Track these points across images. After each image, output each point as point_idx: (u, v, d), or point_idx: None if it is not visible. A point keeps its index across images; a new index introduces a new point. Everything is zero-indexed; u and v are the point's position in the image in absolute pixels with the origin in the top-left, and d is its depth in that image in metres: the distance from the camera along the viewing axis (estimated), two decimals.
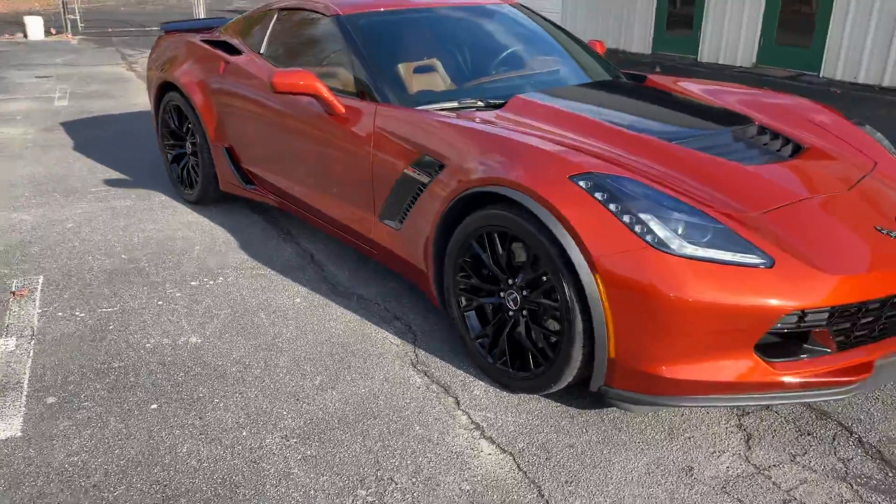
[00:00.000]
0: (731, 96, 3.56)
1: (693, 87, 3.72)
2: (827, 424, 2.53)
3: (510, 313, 2.67)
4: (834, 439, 2.45)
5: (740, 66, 11.16)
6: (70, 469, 2.28)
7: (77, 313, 3.28)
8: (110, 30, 15.32)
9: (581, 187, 2.40)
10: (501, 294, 2.69)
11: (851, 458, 2.36)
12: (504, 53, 3.86)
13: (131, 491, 2.19)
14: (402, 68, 3.47)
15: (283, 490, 2.20)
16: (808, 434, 2.48)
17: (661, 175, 2.59)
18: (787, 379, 2.32)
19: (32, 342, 3.03)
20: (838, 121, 3.30)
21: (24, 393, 2.67)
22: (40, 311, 3.30)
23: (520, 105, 3.16)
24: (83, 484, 2.21)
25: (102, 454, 2.35)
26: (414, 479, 2.25)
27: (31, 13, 17.07)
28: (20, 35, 14.53)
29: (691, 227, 2.32)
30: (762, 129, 3.10)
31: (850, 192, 2.68)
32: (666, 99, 3.53)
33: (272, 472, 2.27)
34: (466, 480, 2.25)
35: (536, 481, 2.24)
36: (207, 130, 4.31)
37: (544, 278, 2.49)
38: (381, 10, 3.76)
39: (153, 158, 5.69)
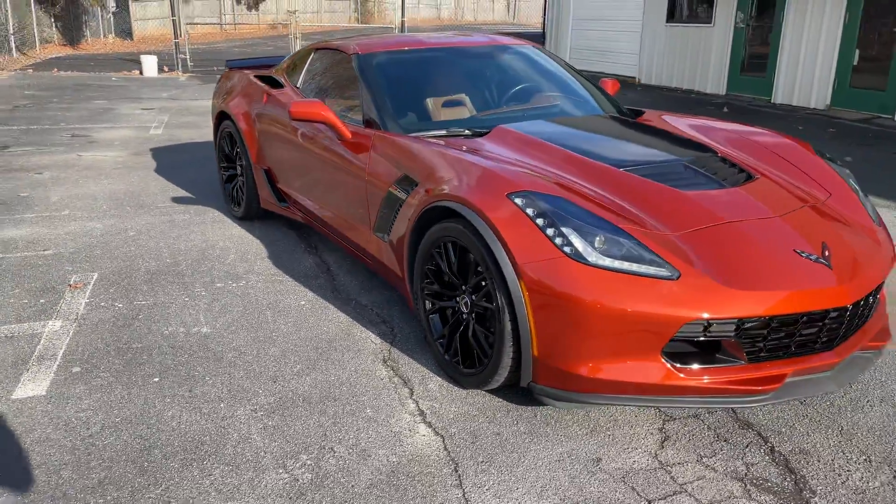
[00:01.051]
0: (710, 131, 3.76)
1: (680, 123, 3.94)
2: (746, 433, 2.69)
3: (463, 316, 2.98)
4: (747, 446, 2.62)
5: (814, 109, 11.01)
6: (75, 422, 2.75)
7: (116, 304, 3.82)
8: (216, 68, 16.65)
9: (516, 203, 2.71)
10: (457, 299, 3.01)
11: (756, 464, 2.52)
12: (505, 89, 4.23)
13: (118, 442, 2.63)
14: (404, 100, 3.89)
15: (239, 450, 2.58)
16: (724, 440, 2.66)
17: (600, 197, 2.87)
18: (693, 384, 2.52)
19: (74, 324, 3.58)
20: (806, 156, 3.45)
21: (57, 363, 3.20)
22: (87, 300, 3.87)
23: (500, 134, 3.50)
24: (82, 433, 2.68)
25: (103, 413, 2.81)
26: (351, 451, 2.59)
27: (149, 52, 18.77)
28: (136, 72, 16.05)
29: (609, 242, 2.58)
30: (719, 160, 3.31)
31: (781, 218, 2.85)
32: (642, 132, 3.77)
33: (234, 436, 2.67)
34: (395, 454, 2.57)
35: (456, 459, 2.54)
36: (250, 154, 4.87)
37: (483, 284, 2.81)
38: (395, 49, 4.21)
39: (217, 180, 6.34)
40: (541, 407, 2.85)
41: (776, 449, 2.61)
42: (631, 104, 11.21)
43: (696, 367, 2.56)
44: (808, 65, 11.09)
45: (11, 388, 2.98)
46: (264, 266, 4.39)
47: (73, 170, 6.92)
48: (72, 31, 23.29)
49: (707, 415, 2.81)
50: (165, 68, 16.48)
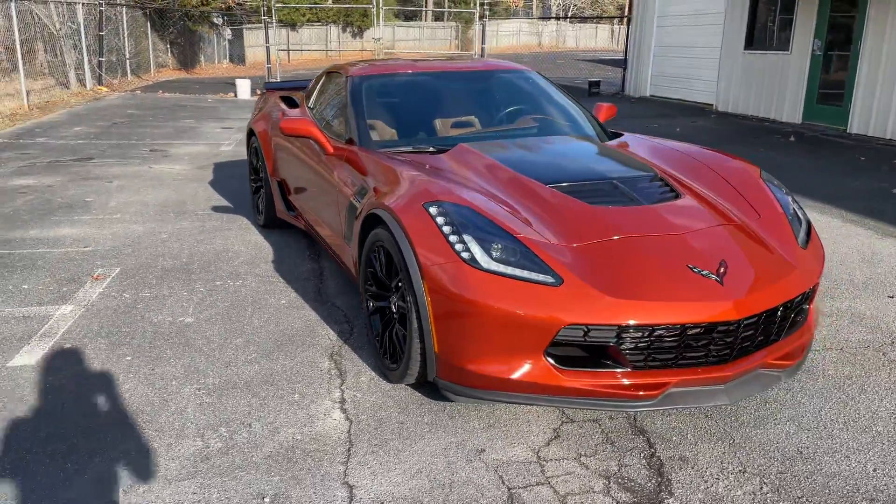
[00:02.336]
0: (665, 153, 3.87)
1: (643, 145, 4.07)
2: (636, 439, 2.81)
3: (394, 315, 3.24)
4: (630, 450, 2.73)
5: (888, 139, 10.55)
6: (49, 386, 3.20)
7: (124, 294, 4.31)
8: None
9: (429, 212, 2.96)
10: (390, 300, 3.28)
11: (630, 466, 2.64)
12: (488, 111, 4.48)
13: (78, 402, 3.05)
14: (382, 119, 4.21)
15: (171, 419, 2.94)
16: (611, 443, 2.78)
17: (516, 210, 3.07)
18: (575, 385, 2.68)
19: (82, 310, 4.08)
20: (749, 179, 3.51)
21: (54, 340, 3.68)
22: (102, 290, 4.38)
23: (459, 151, 3.75)
24: (51, 396, 3.11)
25: (75, 381, 3.25)
26: (265, 427, 2.89)
27: (250, 77, 20.07)
28: (231, 94, 17.23)
29: (505, 251, 2.78)
30: (651, 179, 3.43)
31: (684, 235, 2.96)
32: (596, 153, 3.92)
33: (172, 409, 3.03)
34: (301, 433, 2.85)
35: (353, 441, 2.79)
36: (267, 167, 5.32)
37: (401, 285, 3.06)
38: (384, 73, 4.55)
39: None
40: (452, 402, 3.05)
41: (657, 454, 2.71)
42: (698, 132, 11.09)
43: (579, 370, 2.71)
44: (886, 94, 10.64)
45: (9, 358, 3.47)
46: (265, 269, 4.79)
47: (140, 180, 7.65)
48: (186, 56, 25.18)
49: (608, 419, 2.94)
50: (258, 91, 17.58)
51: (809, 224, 3.36)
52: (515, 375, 2.72)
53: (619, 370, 2.71)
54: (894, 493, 2.48)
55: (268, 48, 17.68)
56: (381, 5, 17.78)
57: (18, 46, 12.77)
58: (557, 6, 57.04)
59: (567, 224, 2.98)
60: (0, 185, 7.35)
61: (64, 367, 3.38)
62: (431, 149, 3.93)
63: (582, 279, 2.70)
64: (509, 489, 2.50)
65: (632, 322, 2.62)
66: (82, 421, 2.92)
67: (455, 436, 2.83)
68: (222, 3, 26.50)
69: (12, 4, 12.18)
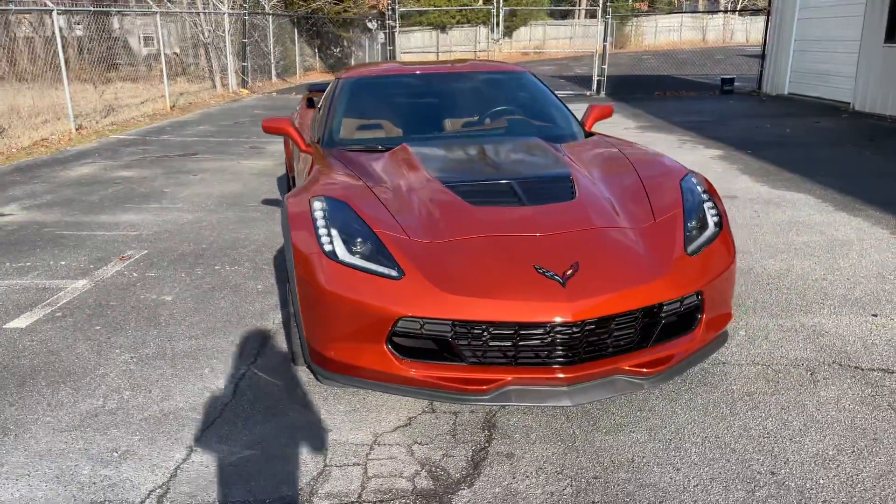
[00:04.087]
0: (599, 155, 3.81)
1: (587, 146, 4.05)
2: (479, 434, 2.85)
3: None
4: (464, 443, 2.79)
5: None
6: (20, 347, 3.74)
7: (133, 274, 4.87)
8: None
9: (312, 206, 3.16)
10: None
11: (453, 457, 2.70)
12: (463, 112, 4.58)
13: (29, 363, 3.56)
14: (354, 118, 4.45)
15: (92, 381, 3.35)
16: (453, 436, 2.85)
17: (403, 205, 3.20)
18: (413, 375, 2.79)
19: (92, 285, 4.67)
20: (667, 186, 3.38)
21: (51, 309, 4.27)
22: (119, 269, 4.97)
23: (398, 150, 3.91)
24: (27, 355, 3.65)
25: (53, 342, 3.77)
26: (159, 393, 3.23)
27: None
28: None
29: (363, 245, 2.94)
30: (553, 181, 3.40)
31: (546, 237, 2.95)
32: (528, 154, 3.91)
33: (99, 372, 3.45)
34: (186, 402, 3.16)
35: (222, 413, 3.06)
36: (287, 162, 5.73)
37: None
38: (371, 74, 4.78)
39: None
40: (352, 390, 3.23)
41: (487, 449, 2.74)
42: (810, 133, 10.26)
43: (419, 361, 2.81)
44: None
45: (7, 322, 4.09)
46: (266, 257, 5.18)
47: (222, 174, 8.41)
48: (333, 59, 26.71)
49: (467, 412, 2.99)
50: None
51: (719, 235, 3.18)
52: (363, 363, 2.86)
53: (455, 364, 2.78)
54: None
55: (391, 51, 18.42)
56: (500, 6, 17.92)
57: (162, 55, 14.30)
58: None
59: (440, 222, 3.07)
60: (104, 175, 8.38)
61: (48, 330, 3.94)
62: (380, 147, 4.11)
63: (423, 274, 2.79)
64: (325, 466, 2.66)
65: (461, 318, 2.69)
66: (27, 376, 3.42)
67: (314, 416, 3.02)
68: (370, 7, 27.80)
69: (157, 17, 13.69)
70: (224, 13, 17.10)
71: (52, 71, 12.43)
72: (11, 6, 14.16)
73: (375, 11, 29.56)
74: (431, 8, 31.09)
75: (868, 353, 3.44)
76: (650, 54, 31.77)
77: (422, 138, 4.22)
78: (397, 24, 18.50)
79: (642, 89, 17.83)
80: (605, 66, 17.58)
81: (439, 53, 37.23)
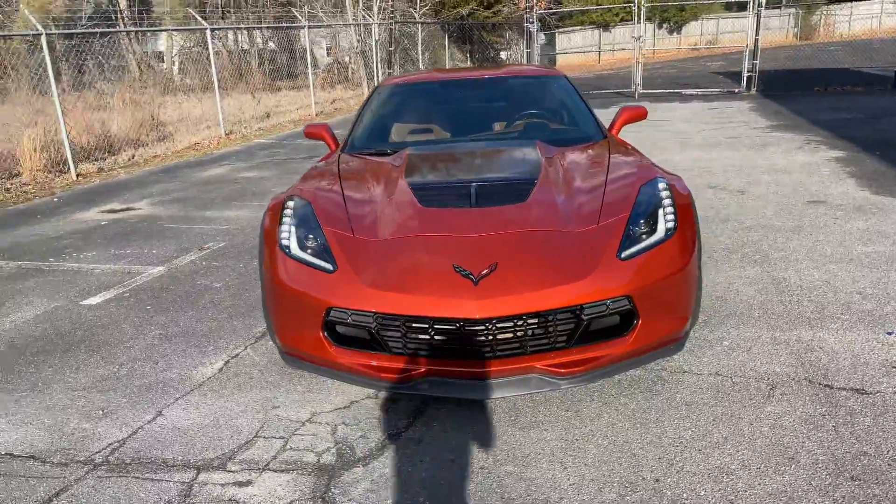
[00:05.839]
0: (588, 159, 3.81)
1: (579, 150, 4.05)
2: (402, 421, 3.04)
3: None
4: (386, 428, 3.00)
5: None
6: (90, 319, 4.43)
7: (202, 263, 5.51)
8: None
9: (286, 204, 3.51)
10: None
11: (368, 439, 2.92)
12: (485, 118, 4.75)
13: (83, 332, 4.21)
14: (371, 125, 4.77)
15: (120, 351, 3.92)
16: (379, 420, 3.07)
17: (368, 205, 3.46)
18: (343, 361, 3.05)
19: (166, 270, 5.35)
20: (626, 188, 3.37)
21: (123, 290, 4.97)
22: (193, 258, 5.64)
23: (398, 154, 4.17)
24: (84, 327, 4.33)
25: (108, 317, 4.44)
26: (164, 364, 3.72)
27: None
28: None
29: (313, 241, 3.24)
30: (518, 184, 3.48)
31: (477, 237, 3.06)
32: (507, 159, 3.99)
33: (129, 343, 4.02)
34: (179, 373, 3.62)
35: (199, 385, 3.49)
36: None
37: None
38: (406, 82, 5.06)
39: None
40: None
41: (402, 434, 2.93)
42: None
43: (349, 348, 3.06)
44: None
45: (84, 299, 4.83)
46: None
47: None
48: (483, 62, 27.22)
49: (406, 400, 3.19)
50: None
51: (668, 241, 3.12)
52: (304, 348, 3.17)
53: (378, 353, 3.00)
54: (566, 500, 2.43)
55: (528, 53, 18.50)
56: (642, 2, 17.38)
57: (310, 67, 15.46)
58: None
59: (388, 221, 3.30)
60: (230, 176, 9.34)
61: (106, 308, 4.62)
62: (388, 151, 4.38)
63: (353, 269, 3.04)
64: (255, 436, 2.99)
65: (381, 310, 2.91)
66: (72, 342, 4.07)
67: (274, 392, 3.36)
68: (523, 9, 27.98)
69: (303, 32, 14.85)
70: (373, 24, 18.11)
71: (226, 81, 14.00)
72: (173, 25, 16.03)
73: (528, 14, 29.75)
74: (570, 9, 30.60)
75: (850, 372, 3.21)
76: (838, 45, 29.22)
77: (428, 143, 4.44)
78: (553, 26, 18.57)
79: (801, 85, 16.55)
80: (757, 62, 16.56)
81: (601, 53, 36.64)
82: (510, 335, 2.86)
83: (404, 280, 2.95)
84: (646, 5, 16.57)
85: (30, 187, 9.09)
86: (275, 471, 2.74)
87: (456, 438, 2.88)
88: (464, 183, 3.60)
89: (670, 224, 3.19)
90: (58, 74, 17.41)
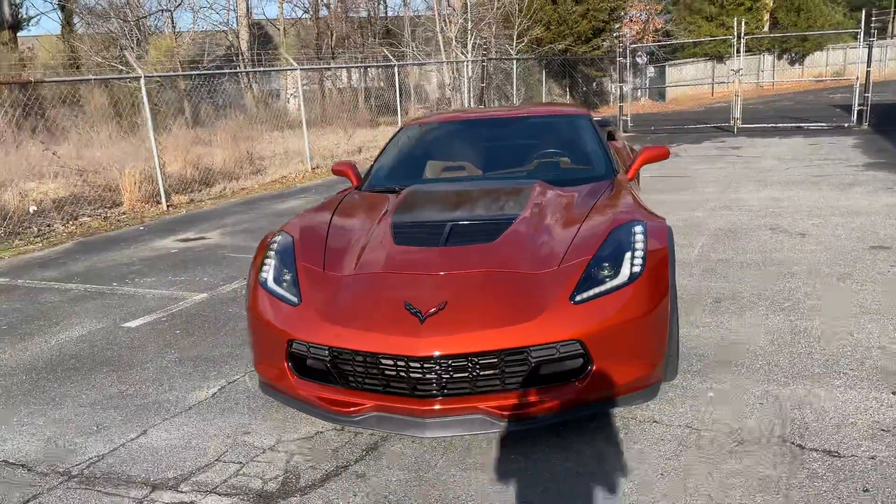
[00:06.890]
0: (579, 201, 3.79)
1: (579, 189, 4.01)
2: (355, 453, 3.11)
3: None
4: (337, 460, 3.07)
5: None
6: (123, 341, 4.78)
7: (239, 291, 5.80)
8: (652, 127, 17.76)
9: (274, 239, 3.70)
10: None
11: (315, 469, 3.01)
12: (500, 158, 4.80)
13: (124, 349, 4.56)
14: (390, 163, 4.91)
15: (138, 373, 4.22)
16: (335, 452, 3.14)
17: (340, 243, 3.59)
18: (302, 392, 3.18)
19: (208, 297, 5.68)
20: (597, 231, 3.33)
21: (163, 315, 5.32)
22: (236, 286, 5.94)
23: (403, 192, 4.29)
24: (116, 348, 4.69)
25: (140, 340, 4.78)
26: (171, 387, 3.96)
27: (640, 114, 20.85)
28: None
29: (286, 275, 3.40)
30: (494, 224, 3.50)
31: (431, 276, 3.12)
32: (497, 200, 3.97)
33: (146, 365, 4.31)
34: (176, 396, 3.85)
35: (189, 406, 3.69)
36: None
37: None
38: (429, 122, 5.20)
39: None
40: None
41: (348, 467, 2.99)
42: None
43: (308, 380, 3.18)
44: None
45: (126, 322, 5.21)
46: None
47: None
48: (586, 97, 27.08)
49: (367, 434, 3.25)
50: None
51: (629, 286, 3.04)
52: (272, 377, 3.31)
53: (333, 386, 3.10)
54: None
55: (621, 87, 18.25)
56: (742, 34, 16.79)
57: (399, 103, 15.97)
58: None
59: (359, 258, 3.41)
60: (303, 207, 9.73)
61: (141, 331, 4.97)
62: (396, 189, 4.50)
63: (313, 303, 3.17)
64: (216, 460, 3.13)
65: (334, 344, 3.01)
66: (100, 362, 4.41)
67: (251, 419, 3.51)
68: (622, 45, 27.68)
69: (406, 69, 15.42)
70: (465, 62, 18.51)
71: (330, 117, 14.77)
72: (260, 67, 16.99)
73: (630, 47, 29.36)
74: (681, 41, 29.84)
75: (832, 433, 2.99)
76: None
77: (433, 181, 4.53)
78: (662, 58, 18.29)
79: None
80: (869, 94, 15.62)
81: (714, 85, 35.55)
82: (457, 374, 2.88)
83: (357, 315, 3.04)
84: (757, 37, 16.04)
85: (126, 216, 9.87)
86: (220, 494, 2.86)
87: (398, 476, 2.91)
88: (441, 222, 3.66)
89: (637, 269, 3.11)
90: (180, 112, 18.90)
